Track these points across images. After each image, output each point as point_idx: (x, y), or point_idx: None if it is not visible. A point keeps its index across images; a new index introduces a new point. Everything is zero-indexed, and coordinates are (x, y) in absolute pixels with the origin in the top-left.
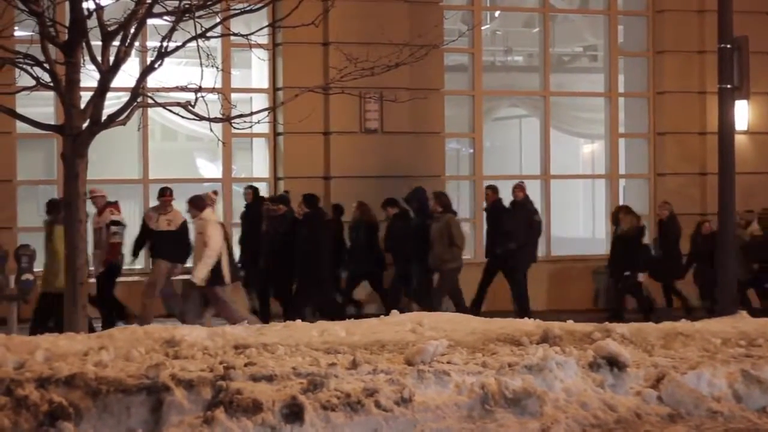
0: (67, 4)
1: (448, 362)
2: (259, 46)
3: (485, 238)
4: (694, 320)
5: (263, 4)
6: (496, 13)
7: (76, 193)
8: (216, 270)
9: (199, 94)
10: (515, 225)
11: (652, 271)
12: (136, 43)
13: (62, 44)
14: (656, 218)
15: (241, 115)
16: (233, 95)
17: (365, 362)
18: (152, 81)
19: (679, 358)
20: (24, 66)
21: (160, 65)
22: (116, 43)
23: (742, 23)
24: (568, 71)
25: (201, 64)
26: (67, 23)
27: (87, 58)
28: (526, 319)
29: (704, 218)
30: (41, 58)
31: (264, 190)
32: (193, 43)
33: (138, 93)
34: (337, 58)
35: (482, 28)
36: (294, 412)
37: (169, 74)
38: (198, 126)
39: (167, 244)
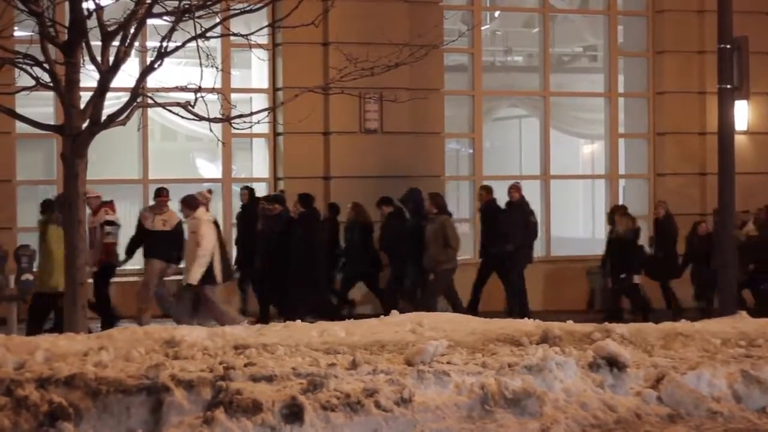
0: (66, 5)
1: (447, 362)
2: (259, 46)
3: (480, 238)
4: (688, 321)
5: (263, 4)
6: (496, 14)
7: (75, 193)
8: (208, 269)
9: (198, 95)
10: (511, 226)
11: (648, 270)
12: (136, 44)
13: (62, 44)
14: (653, 218)
15: (240, 116)
16: (233, 95)
17: (365, 362)
18: (152, 81)
19: (678, 358)
20: (24, 66)
21: (159, 65)
22: (116, 43)
23: (742, 23)
24: (568, 71)
25: (201, 64)
26: (66, 23)
27: (87, 58)
28: (525, 319)
29: (702, 218)
30: (41, 58)
31: (264, 191)
32: (193, 44)
33: (138, 93)
34: (336, 58)
35: (482, 28)
36: (294, 413)
37: (169, 74)
38: (198, 126)
39: (162, 244)
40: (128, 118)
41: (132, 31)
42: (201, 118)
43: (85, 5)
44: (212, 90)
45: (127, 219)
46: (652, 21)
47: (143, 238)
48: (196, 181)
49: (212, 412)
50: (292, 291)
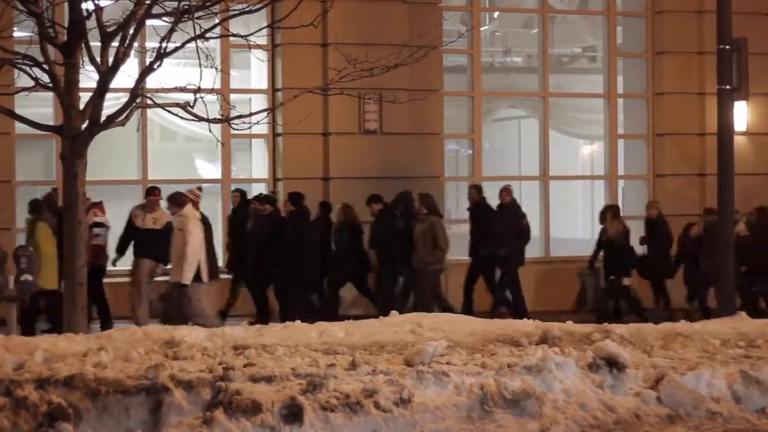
0: (66, 5)
1: (447, 363)
2: (258, 47)
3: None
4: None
5: (262, 4)
6: (495, 14)
7: (75, 194)
8: None
9: (198, 95)
10: (501, 228)
11: (640, 269)
12: (135, 44)
13: (61, 45)
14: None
15: (240, 116)
16: (232, 96)
17: (364, 363)
18: (151, 82)
19: (678, 358)
20: (23, 67)
21: (159, 66)
22: (115, 43)
23: (741, 24)
24: (567, 72)
25: (200, 65)
26: (66, 24)
27: (86, 58)
28: (525, 319)
29: (694, 220)
30: (40, 58)
31: (264, 192)
32: (192, 44)
33: (137, 94)
34: (336, 59)
35: (481, 29)
36: (293, 413)
37: (168, 75)
38: (197, 127)
39: (151, 242)
40: (127, 118)
41: (131, 31)
42: (200, 119)
43: (84, 6)
44: (211, 91)
45: (126, 219)
46: (651, 22)
47: (133, 236)
48: (195, 181)
49: (212, 412)
50: (284, 291)
